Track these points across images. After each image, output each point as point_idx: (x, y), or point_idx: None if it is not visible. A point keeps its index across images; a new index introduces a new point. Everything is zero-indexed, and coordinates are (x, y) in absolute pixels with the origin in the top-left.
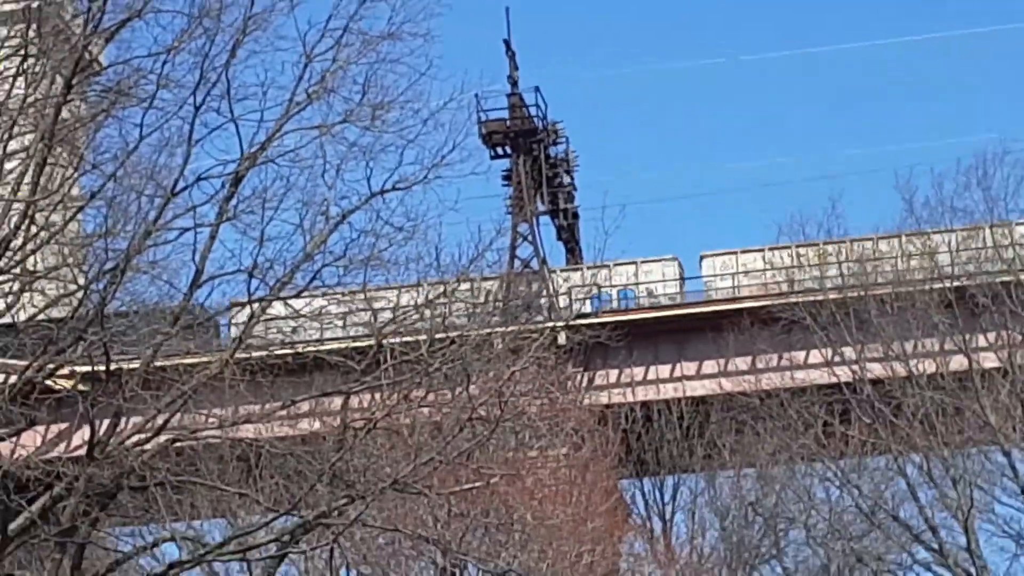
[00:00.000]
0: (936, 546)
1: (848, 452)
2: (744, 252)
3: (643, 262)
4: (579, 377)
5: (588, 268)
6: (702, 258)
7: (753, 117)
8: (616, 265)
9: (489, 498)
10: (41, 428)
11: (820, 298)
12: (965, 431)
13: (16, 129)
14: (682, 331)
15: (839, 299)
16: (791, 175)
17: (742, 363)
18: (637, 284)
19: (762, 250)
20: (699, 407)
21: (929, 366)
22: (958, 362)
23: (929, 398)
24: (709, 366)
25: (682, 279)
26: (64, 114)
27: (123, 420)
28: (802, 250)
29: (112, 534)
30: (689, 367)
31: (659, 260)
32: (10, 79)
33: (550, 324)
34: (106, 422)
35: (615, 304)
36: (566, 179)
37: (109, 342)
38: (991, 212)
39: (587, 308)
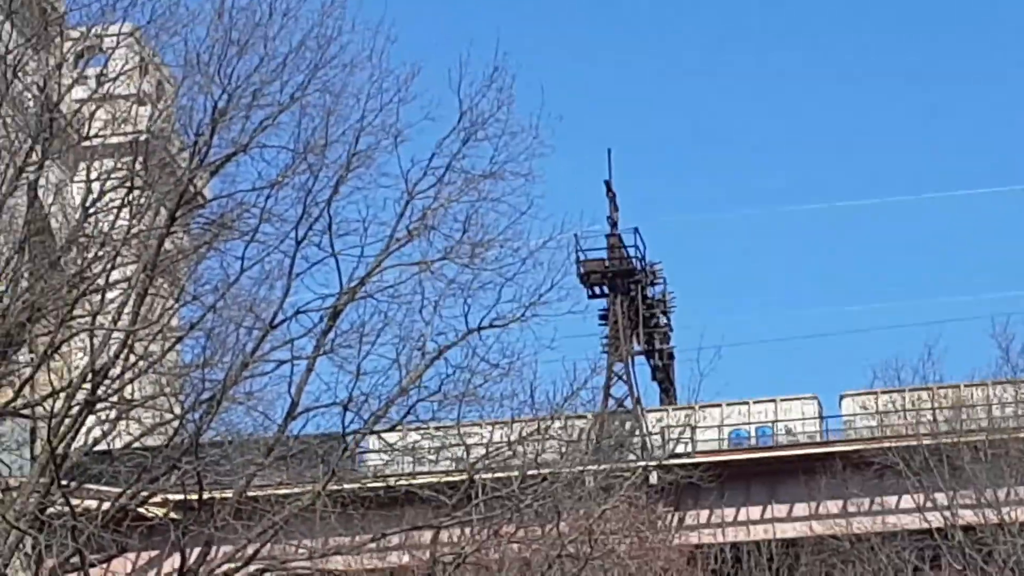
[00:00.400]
0: None
1: None
2: (884, 392)
3: (783, 400)
4: (669, 516)
5: (727, 404)
6: (841, 397)
7: (851, 262)
8: (755, 403)
9: None
10: (132, 555)
11: (913, 443)
12: None
13: (119, 259)
14: (773, 473)
15: (932, 445)
16: (889, 321)
17: (833, 506)
18: (776, 421)
19: (902, 391)
20: (789, 549)
21: (1021, 514)
22: None
23: (1021, 546)
24: (800, 508)
25: (821, 417)
26: (167, 246)
27: (214, 549)
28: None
29: None
30: (780, 509)
31: (798, 398)
32: (115, 210)
33: (642, 463)
34: (197, 550)
35: (754, 441)
36: (662, 320)
37: (203, 471)
38: None
39: (680, 448)
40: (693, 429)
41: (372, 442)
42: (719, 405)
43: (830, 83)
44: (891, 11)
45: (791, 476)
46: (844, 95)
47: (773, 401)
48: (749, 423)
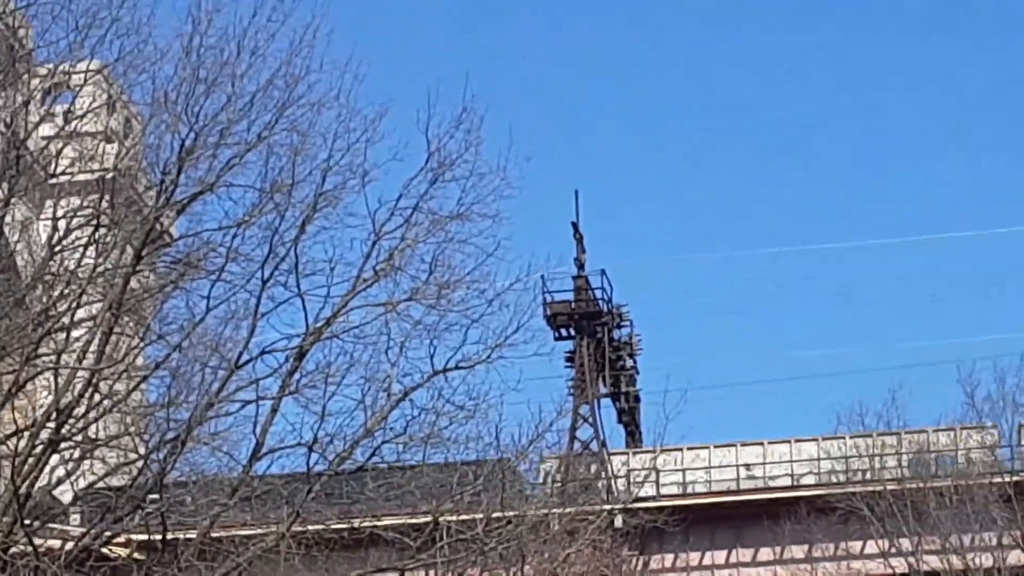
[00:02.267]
0: None
1: None
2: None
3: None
4: (635, 560)
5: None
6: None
7: (818, 307)
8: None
9: None
10: None
11: (878, 488)
12: None
13: (85, 298)
14: (739, 518)
15: (897, 490)
16: (854, 365)
17: (798, 551)
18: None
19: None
20: None
21: (987, 560)
22: (1016, 557)
23: None
24: (765, 553)
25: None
26: (133, 284)
27: None
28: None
29: None
30: (745, 554)
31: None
32: (81, 248)
33: (607, 507)
34: None
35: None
36: (629, 362)
37: (167, 511)
38: None
39: (644, 492)
40: (658, 472)
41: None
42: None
43: (796, 128)
44: (851, 57)
45: (755, 520)
46: (810, 140)
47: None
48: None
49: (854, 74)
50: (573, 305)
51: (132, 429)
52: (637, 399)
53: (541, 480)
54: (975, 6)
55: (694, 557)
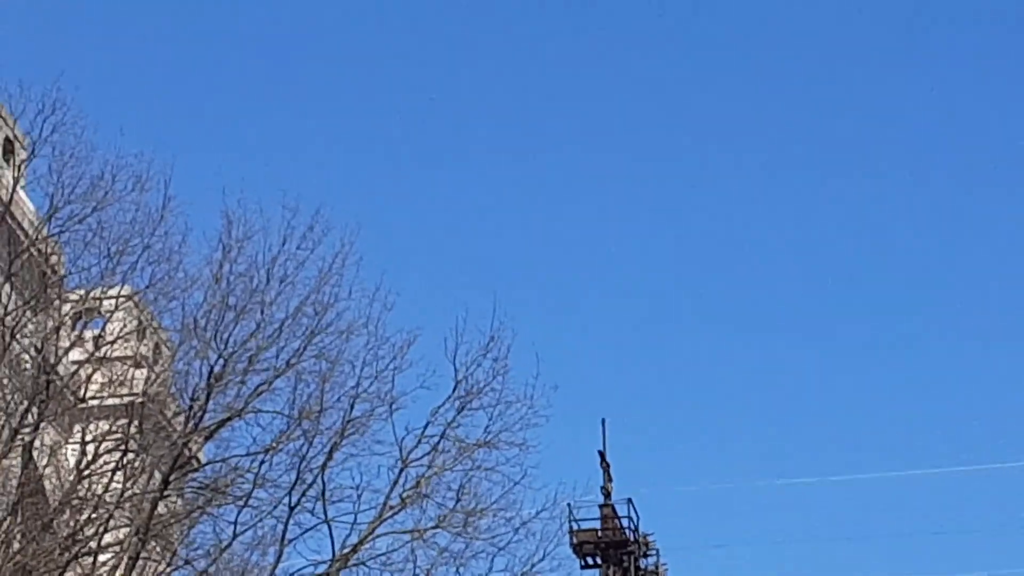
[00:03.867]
0: None
1: None
2: None
3: None
4: None
5: None
6: None
7: (843, 535)
8: None
9: None
10: None
11: None
12: None
13: (112, 522)
14: None
15: None
16: None
17: None
18: None
19: None
20: None
21: None
22: None
23: None
24: None
25: None
26: (160, 509)
27: None
28: None
29: None
30: None
31: None
32: (109, 472)
33: None
34: None
35: None
36: None
37: None
38: None
39: None
40: None
41: None
42: None
43: (835, 345)
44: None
45: None
46: (855, 361)
47: None
48: None
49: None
50: (600, 534)
51: None
52: None
53: None
54: None
55: None
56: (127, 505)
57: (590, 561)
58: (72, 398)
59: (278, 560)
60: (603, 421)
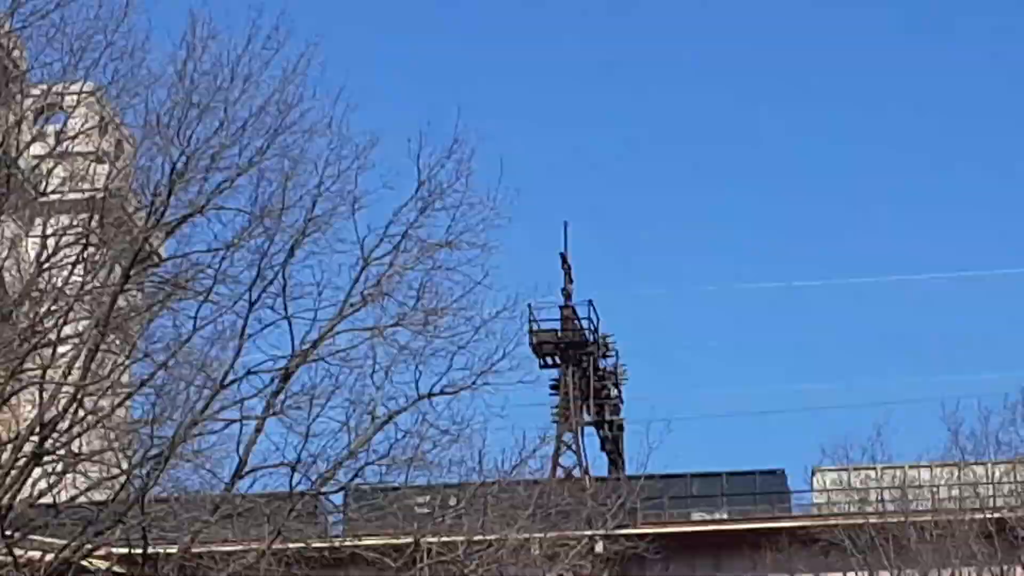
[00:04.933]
0: None
1: None
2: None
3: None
4: None
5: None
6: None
7: (804, 341)
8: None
9: None
10: None
11: (860, 521)
12: None
13: (72, 315)
14: (719, 546)
15: (879, 524)
16: (840, 400)
17: None
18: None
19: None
20: None
21: None
22: None
23: None
24: None
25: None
26: (120, 303)
27: None
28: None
29: None
30: None
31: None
32: (69, 266)
33: (587, 533)
34: None
35: None
36: (613, 392)
37: (148, 526)
38: None
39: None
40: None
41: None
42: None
43: (790, 164)
44: (844, 91)
45: (736, 550)
46: (803, 177)
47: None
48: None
49: (849, 98)
50: (559, 334)
51: (116, 445)
52: (621, 428)
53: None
54: None
55: None
56: (87, 298)
57: (549, 361)
58: (33, 192)
59: (237, 354)
60: (565, 224)
